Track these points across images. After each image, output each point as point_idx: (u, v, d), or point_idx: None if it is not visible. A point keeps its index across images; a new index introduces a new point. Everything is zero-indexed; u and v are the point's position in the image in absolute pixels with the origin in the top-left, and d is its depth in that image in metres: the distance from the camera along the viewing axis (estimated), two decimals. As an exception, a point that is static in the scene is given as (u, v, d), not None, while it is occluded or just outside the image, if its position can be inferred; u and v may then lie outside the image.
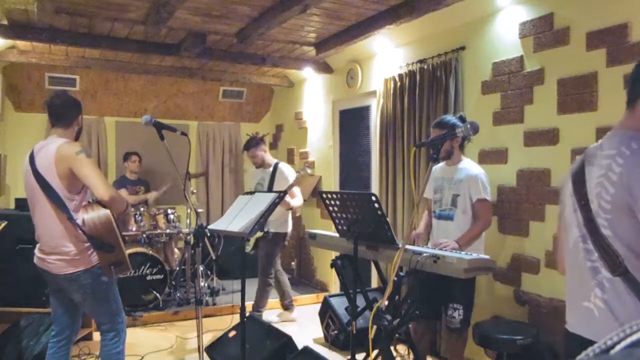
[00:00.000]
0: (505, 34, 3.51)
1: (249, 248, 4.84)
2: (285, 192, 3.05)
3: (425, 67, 4.11)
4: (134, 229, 5.15)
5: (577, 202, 1.53)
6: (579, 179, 1.55)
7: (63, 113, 2.70)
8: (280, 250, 4.77)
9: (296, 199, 4.61)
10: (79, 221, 2.56)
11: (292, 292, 5.80)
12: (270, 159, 4.79)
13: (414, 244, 3.29)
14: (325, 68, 5.72)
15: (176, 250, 6.02)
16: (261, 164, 4.75)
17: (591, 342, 1.45)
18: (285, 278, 4.90)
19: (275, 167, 4.69)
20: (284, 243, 4.75)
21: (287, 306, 4.95)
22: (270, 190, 4.52)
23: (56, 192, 2.54)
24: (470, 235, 3.05)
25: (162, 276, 4.99)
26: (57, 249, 2.58)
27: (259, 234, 4.51)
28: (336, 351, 4.13)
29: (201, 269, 4.63)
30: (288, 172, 4.67)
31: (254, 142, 4.76)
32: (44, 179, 2.55)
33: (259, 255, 4.67)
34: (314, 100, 6.21)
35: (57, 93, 2.78)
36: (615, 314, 1.41)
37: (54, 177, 2.55)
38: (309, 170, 4.48)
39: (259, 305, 4.66)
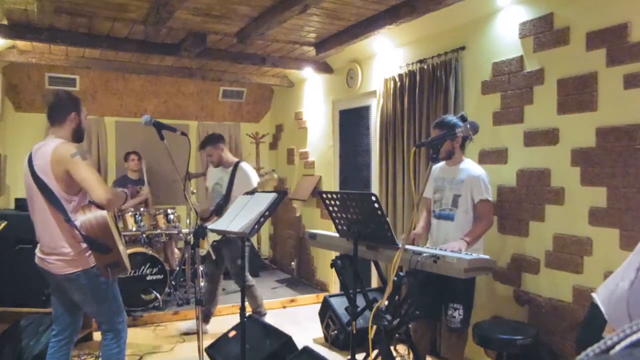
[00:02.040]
0: (505, 34, 3.51)
1: (203, 251, 4.53)
2: (285, 192, 3.05)
3: (425, 67, 4.11)
4: (134, 229, 5.15)
5: None
6: None
7: (54, 112, 2.69)
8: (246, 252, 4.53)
9: None
10: (77, 222, 2.56)
11: (293, 292, 5.84)
12: (230, 158, 4.54)
13: (413, 245, 3.29)
14: (325, 68, 5.72)
15: (176, 250, 6.02)
16: (219, 164, 4.49)
17: (598, 309, 1.48)
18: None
19: (236, 166, 4.44)
20: (248, 244, 4.38)
21: (206, 315, 4.53)
22: (229, 190, 4.33)
23: (53, 193, 2.54)
24: (476, 234, 3.05)
25: (162, 276, 4.99)
26: (56, 250, 2.58)
27: (218, 237, 4.16)
28: (336, 351, 4.13)
29: (201, 269, 4.63)
30: (250, 171, 4.43)
31: (210, 140, 4.46)
32: (42, 180, 2.55)
33: (227, 262, 4.36)
34: (314, 100, 6.21)
35: (53, 92, 2.78)
36: (630, 299, 1.42)
37: (51, 178, 2.54)
38: (275, 175, 4.24)
39: (255, 307, 4.55)
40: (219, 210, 4.26)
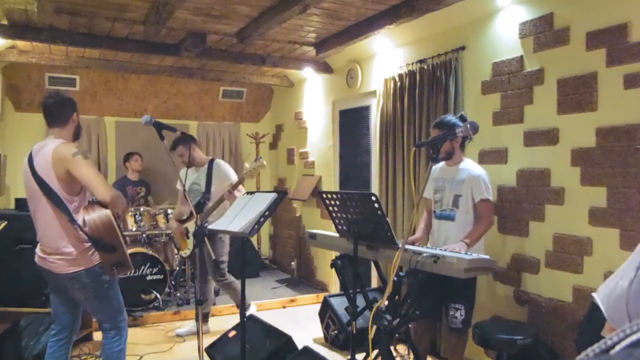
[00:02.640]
0: (505, 34, 3.51)
1: (187, 252, 4.52)
2: (285, 192, 3.05)
3: (425, 67, 4.11)
4: (134, 229, 5.15)
5: None
6: None
7: (56, 113, 2.70)
8: (225, 247, 4.45)
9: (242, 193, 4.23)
10: (80, 222, 2.57)
11: (293, 292, 5.84)
12: (202, 156, 4.52)
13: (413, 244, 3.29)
14: (325, 68, 5.72)
15: (176, 250, 6.01)
16: (191, 163, 4.41)
17: (598, 309, 1.49)
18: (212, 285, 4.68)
19: (211, 164, 4.43)
20: (226, 242, 4.46)
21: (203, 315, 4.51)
22: (208, 187, 4.31)
23: (56, 193, 2.54)
24: (477, 235, 3.05)
25: (162, 276, 4.99)
26: (59, 250, 2.59)
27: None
28: (336, 351, 4.13)
29: (201, 269, 4.61)
30: (226, 167, 4.45)
31: (182, 140, 4.35)
32: (43, 181, 2.55)
33: (206, 257, 4.24)
34: (314, 100, 6.21)
35: (50, 93, 2.78)
36: (629, 297, 1.42)
37: (53, 178, 2.55)
38: (264, 162, 4.23)
39: (238, 301, 4.43)
40: (200, 207, 4.23)
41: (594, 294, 1.63)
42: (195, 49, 4.82)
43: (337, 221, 3.09)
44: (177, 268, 5.66)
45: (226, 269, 4.44)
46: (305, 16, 4.13)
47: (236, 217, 2.85)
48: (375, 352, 2.81)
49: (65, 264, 2.59)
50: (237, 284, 4.45)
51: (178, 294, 5.30)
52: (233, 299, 4.55)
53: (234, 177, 4.35)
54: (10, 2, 3.75)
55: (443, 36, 4.02)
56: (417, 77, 4.19)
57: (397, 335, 3.17)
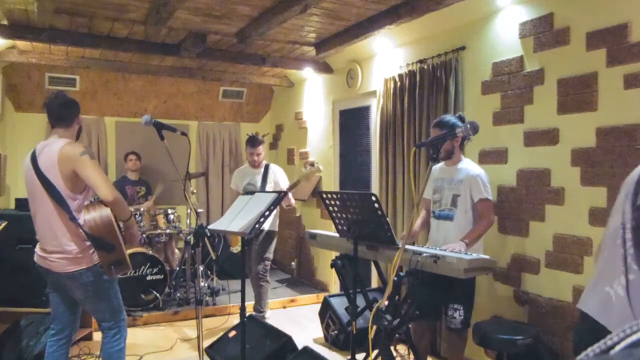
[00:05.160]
0: (505, 34, 3.51)
1: (237, 249, 4.77)
2: (285, 192, 3.06)
3: (425, 67, 4.11)
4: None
5: (633, 191, 1.48)
6: None
7: (63, 114, 2.72)
8: (272, 246, 4.71)
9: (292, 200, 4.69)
10: (81, 221, 2.57)
11: (293, 292, 5.84)
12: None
13: (414, 244, 3.29)
14: (325, 68, 5.72)
15: (176, 250, 6.02)
16: (256, 163, 4.69)
17: (600, 325, 1.45)
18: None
19: (267, 167, 4.69)
20: (274, 241, 4.75)
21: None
22: (263, 189, 4.53)
23: (59, 191, 2.56)
24: (476, 234, 3.05)
25: (162, 276, 4.99)
26: (60, 248, 2.60)
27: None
28: (336, 351, 4.13)
29: (201, 269, 4.63)
30: (282, 172, 4.73)
31: (261, 140, 4.75)
32: (47, 179, 2.56)
33: (254, 253, 4.57)
34: (314, 100, 6.21)
35: (56, 94, 2.79)
36: (633, 304, 1.40)
37: (57, 177, 2.56)
38: (320, 167, 4.45)
39: (261, 305, 4.65)
40: None
41: (579, 306, 1.59)
42: (195, 49, 4.82)
43: (337, 221, 3.09)
44: (177, 268, 5.66)
45: (268, 267, 4.65)
46: (305, 16, 4.13)
47: (236, 217, 2.85)
48: (375, 352, 2.81)
49: (66, 263, 2.59)
50: (268, 291, 4.73)
51: (178, 294, 5.30)
52: (257, 298, 4.66)
53: (284, 185, 4.63)
54: (10, 2, 3.75)
55: (443, 36, 4.02)
56: (417, 77, 4.19)
57: (397, 335, 3.17)
